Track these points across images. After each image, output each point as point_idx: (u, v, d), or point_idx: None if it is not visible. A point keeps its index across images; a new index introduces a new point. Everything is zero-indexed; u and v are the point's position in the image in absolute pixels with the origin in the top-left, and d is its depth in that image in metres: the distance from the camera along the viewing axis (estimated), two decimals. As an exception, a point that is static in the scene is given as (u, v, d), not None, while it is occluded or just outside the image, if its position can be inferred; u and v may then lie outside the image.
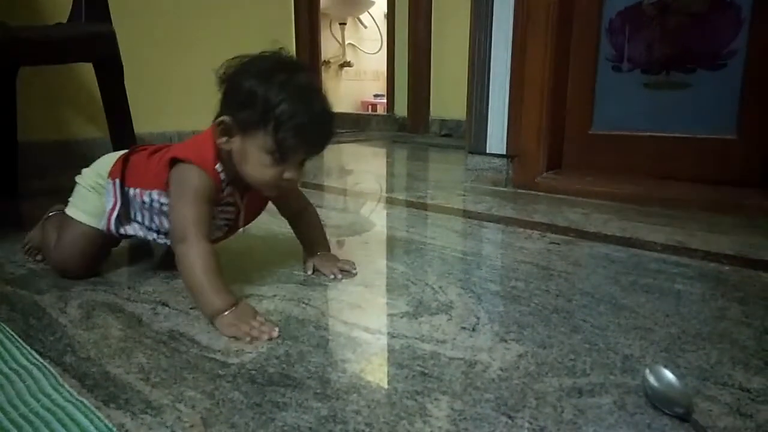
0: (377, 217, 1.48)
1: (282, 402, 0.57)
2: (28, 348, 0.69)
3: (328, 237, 1.04)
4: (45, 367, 0.64)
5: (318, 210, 1.04)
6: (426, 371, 0.64)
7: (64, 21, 1.55)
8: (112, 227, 0.89)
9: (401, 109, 3.96)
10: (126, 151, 0.95)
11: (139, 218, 0.90)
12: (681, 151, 1.62)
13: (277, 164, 0.79)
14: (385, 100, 4.40)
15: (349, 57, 5.39)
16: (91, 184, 0.93)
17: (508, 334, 0.74)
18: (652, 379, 0.58)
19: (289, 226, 1.03)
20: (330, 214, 1.45)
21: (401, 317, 0.79)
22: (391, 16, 3.99)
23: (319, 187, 1.86)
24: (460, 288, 0.91)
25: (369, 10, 5.27)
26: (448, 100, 3.60)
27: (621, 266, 1.02)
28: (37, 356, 0.67)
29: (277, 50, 0.81)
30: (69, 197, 0.96)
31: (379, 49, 5.14)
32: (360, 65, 5.49)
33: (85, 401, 0.57)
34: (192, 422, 0.54)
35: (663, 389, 0.57)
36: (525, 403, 0.57)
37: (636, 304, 0.84)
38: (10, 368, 0.64)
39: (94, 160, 0.98)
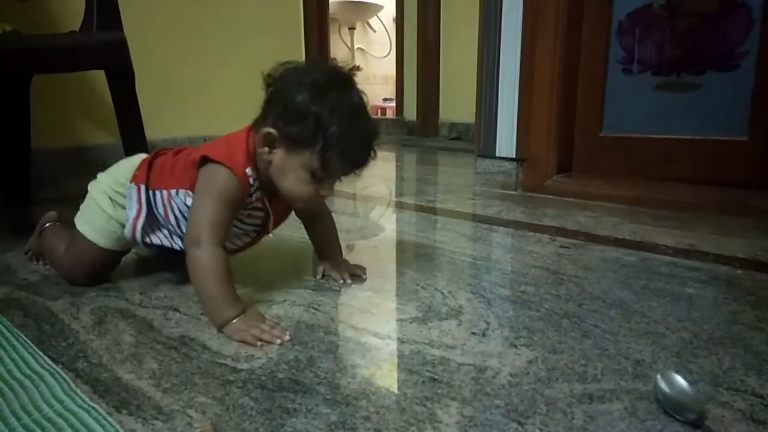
0: (387, 222, 1.48)
1: (292, 408, 0.57)
2: (41, 354, 0.69)
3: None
4: (58, 372, 0.64)
5: (327, 215, 1.05)
6: (436, 377, 0.64)
7: (77, 29, 1.56)
8: (138, 236, 0.88)
9: (410, 113, 3.96)
10: (147, 155, 0.94)
11: (163, 223, 0.89)
12: (692, 154, 1.61)
13: (317, 182, 0.79)
14: (394, 104, 4.40)
15: (358, 61, 5.39)
16: (106, 190, 0.91)
17: (518, 339, 0.74)
18: (663, 385, 0.58)
19: (299, 231, 1.03)
20: (340, 218, 1.45)
21: (411, 322, 0.79)
22: (400, 20, 4.00)
23: (329, 192, 1.86)
24: (470, 293, 0.91)
25: (378, 15, 5.28)
26: (457, 104, 3.59)
27: (632, 270, 1.02)
28: (50, 362, 0.67)
29: (326, 59, 0.81)
30: (81, 204, 0.96)
31: (388, 53, 5.15)
32: (369, 69, 5.50)
33: (97, 407, 0.57)
34: (203, 428, 0.54)
35: (675, 395, 0.57)
36: (535, 409, 0.57)
37: (647, 309, 0.83)
38: (24, 374, 0.64)
39: (106, 166, 0.97)
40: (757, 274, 0.99)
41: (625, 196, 1.59)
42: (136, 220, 0.87)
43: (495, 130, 1.85)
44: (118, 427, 0.54)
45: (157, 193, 0.87)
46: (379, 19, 5.33)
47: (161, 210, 0.87)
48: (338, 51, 5.20)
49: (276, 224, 0.92)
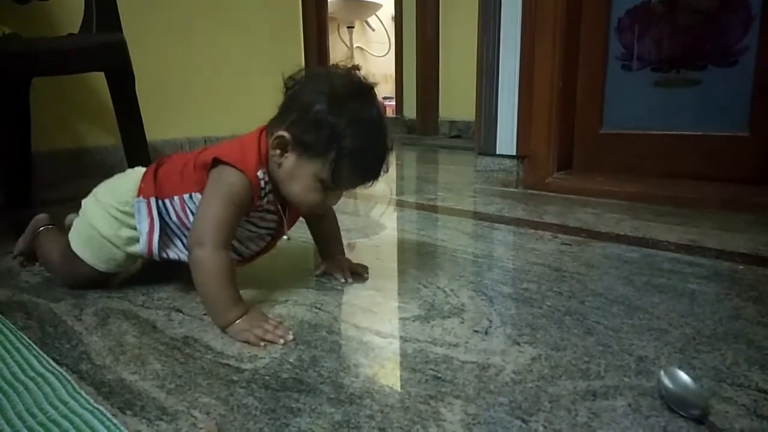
0: (388, 220, 1.48)
1: (296, 407, 0.57)
2: (45, 356, 0.70)
3: (339, 241, 1.04)
4: (62, 374, 0.65)
5: (329, 214, 1.05)
6: (439, 375, 0.64)
7: (76, 31, 1.57)
8: (155, 250, 0.85)
9: (410, 112, 3.96)
10: (146, 167, 0.91)
11: (178, 232, 0.86)
12: (693, 150, 1.61)
13: (325, 191, 0.80)
14: (393, 103, 4.40)
15: (357, 60, 5.38)
16: (110, 211, 0.87)
17: (521, 336, 0.74)
18: (667, 381, 0.58)
19: (301, 231, 1.03)
20: (341, 217, 1.44)
21: (413, 321, 0.79)
22: (398, 19, 4.00)
23: (330, 191, 1.86)
24: (472, 291, 0.91)
25: (376, 13, 5.28)
26: (457, 102, 3.59)
27: (634, 266, 1.02)
28: (54, 364, 0.67)
29: (350, 68, 0.80)
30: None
31: (387, 52, 5.15)
32: (368, 68, 5.46)
33: (102, 408, 0.57)
34: (207, 428, 0.54)
35: (678, 391, 0.57)
36: (539, 406, 0.57)
37: (650, 305, 0.83)
38: (28, 376, 0.64)
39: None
40: (759, 269, 0.99)
41: (626, 192, 1.59)
42: (151, 234, 0.85)
43: (495, 128, 1.85)
44: (122, 428, 0.54)
45: (167, 201, 0.85)
46: (378, 18, 5.33)
47: (175, 218, 0.85)
48: (337, 50, 5.20)
49: (288, 227, 0.92)
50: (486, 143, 1.88)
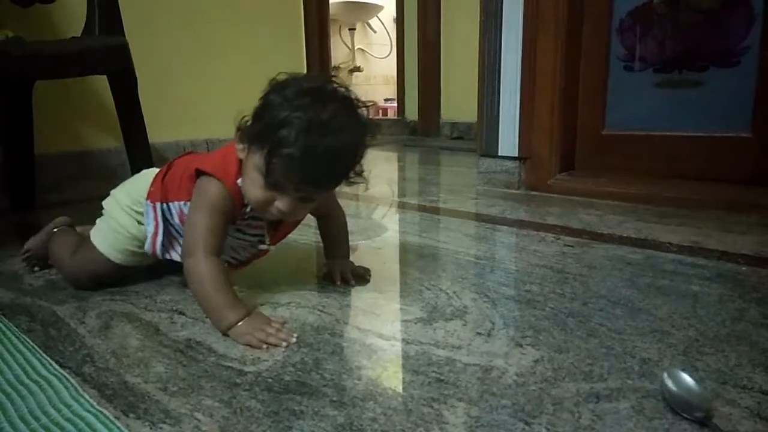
0: (390, 222, 1.48)
1: (299, 410, 0.57)
2: (48, 359, 0.70)
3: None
4: (65, 377, 0.65)
5: (331, 216, 1.05)
6: (442, 377, 0.64)
7: (78, 35, 1.57)
8: (158, 252, 0.87)
9: (412, 113, 3.96)
10: (159, 169, 0.93)
11: (181, 233, 0.87)
12: (695, 151, 1.61)
13: (269, 189, 0.75)
14: (395, 104, 4.41)
15: (359, 62, 5.41)
16: (128, 211, 0.91)
17: (523, 339, 0.74)
18: (670, 383, 0.58)
19: (301, 234, 1.03)
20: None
21: (416, 323, 0.79)
22: (400, 20, 4.00)
23: (332, 193, 1.86)
24: (475, 293, 0.91)
25: (378, 15, 5.29)
26: (458, 103, 3.59)
27: (637, 268, 1.02)
28: (57, 367, 0.67)
29: (331, 76, 0.77)
30: (95, 215, 0.96)
31: (389, 54, 5.15)
32: (370, 70, 5.50)
33: (105, 411, 0.57)
34: (210, 431, 0.54)
35: (682, 393, 0.57)
36: (542, 408, 0.57)
37: (653, 307, 0.83)
38: (31, 379, 0.65)
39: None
40: (762, 270, 0.99)
41: (628, 193, 1.59)
42: (155, 237, 0.87)
43: (497, 129, 1.85)
44: (126, 431, 0.54)
45: (171, 204, 0.87)
46: (380, 20, 5.33)
47: (177, 221, 0.87)
48: (339, 52, 5.20)
49: (279, 237, 0.91)
50: (488, 145, 1.88)
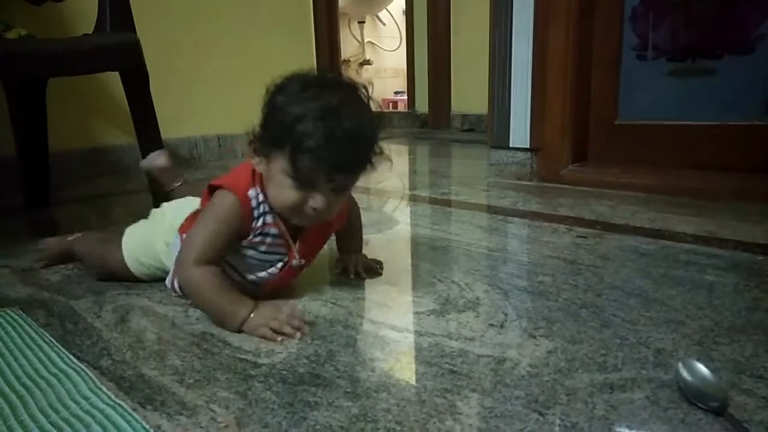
0: (401, 215, 1.48)
1: (313, 401, 0.58)
2: (66, 352, 0.71)
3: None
4: (83, 370, 0.66)
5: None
6: (455, 369, 0.64)
7: (90, 32, 1.58)
8: (177, 288, 0.85)
9: (422, 106, 3.95)
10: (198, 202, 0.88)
11: None
12: (709, 140, 1.59)
13: (300, 189, 0.73)
14: (405, 97, 4.40)
15: (368, 55, 5.41)
16: (166, 239, 0.89)
17: (536, 330, 0.74)
18: (685, 373, 0.58)
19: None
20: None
21: (428, 315, 0.79)
22: (409, 13, 3.99)
23: (343, 187, 1.87)
24: (487, 284, 0.91)
25: (387, 8, 5.27)
26: (469, 95, 3.58)
27: (651, 259, 1.01)
28: (75, 360, 0.69)
29: (333, 71, 0.78)
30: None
31: (399, 46, 5.14)
32: (380, 63, 5.49)
33: (123, 404, 0.58)
34: (226, 422, 0.55)
35: (697, 383, 0.56)
36: (556, 399, 0.57)
37: (667, 297, 0.83)
38: (50, 372, 0.66)
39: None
40: (778, 259, 0.98)
41: (642, 184, 1.58)
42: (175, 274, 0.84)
43: (508, 121, 1.84)
44: (143, 423, 0.55)
45: None
46: (389, 12, 5.32)
47: None
48: (348, 45, 5.20)
49: (308, 254, 0.85)
50: (499, 136, 1.87)
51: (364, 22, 5.32)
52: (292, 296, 0.88)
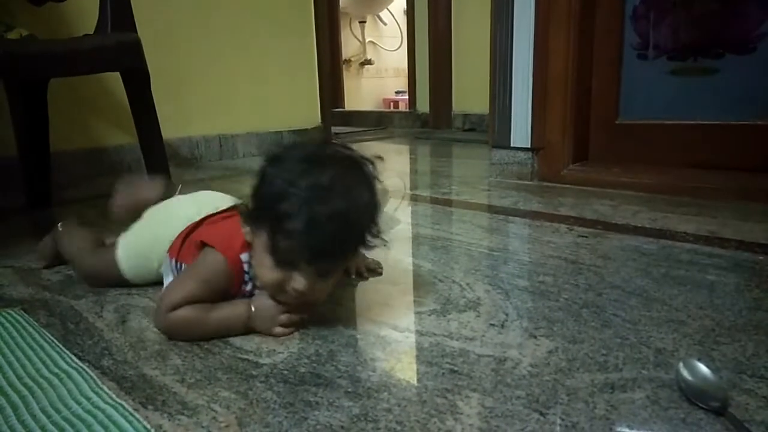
0: (402, 215, 1.48)
1: (314, 401, 0.58)
2: (68, 352, 0.71)
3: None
4: (84, 370, 0.66)
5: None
6: (455, 369, 0.64)
7: (91, 32, 1.58)
8: None
9: (423, 105, 3.95)
10: (193, 224, 0.86)
11: None
12: (710, 139, 1.59)
13: (281, 268, 0.69)
14: (406, 97, 4.40)
15: (369, 55, 5.41)
16: (157, 256, 0.88)
17: (537, 330, 0.74)
18: (686, 373, 0.58)
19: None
20: (355, 213, 1.46)
21: (429, 315, 0.79)
22: (410, 12, 3.99)
23: (344, 187, 1.87)
24: (488, 284, 0.91)
25: (388, 7, 5.27)
26: (470, 95, 3.58)
27: (652, 258, 1.01)
28: (76, 360, 0.69)
29: (330, 138, 0.75)
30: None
31: (400, 46, 5.14)
32: (381, 63, 5.49)
33: (124, 403, 0.58)
34: (227, 422, 0.55)
35: (697, 383, 0.56)
36: (556, 399, 0.57)
37: (668, 297, 0.83)
38: (51, 372, 0.66)
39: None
40: (779, 259, 0.98)
41: (643, 183, 1.58)
42: None
43: (509, 120, 1.84)
44: (145, 422, 0.55)
45: (184, 265, 0.82)
46: (390, 12, 5.32)
47: None
48: (349, 45, 5.20)
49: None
50: (500, 136, 1.87)
51: (365, 22, 5.32)
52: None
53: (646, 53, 1.69)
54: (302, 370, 0.65)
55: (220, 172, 2.26)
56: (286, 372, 0.64)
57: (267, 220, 0.68)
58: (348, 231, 0.69)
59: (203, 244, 0.77)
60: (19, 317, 0.82)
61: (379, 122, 4.31)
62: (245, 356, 0.69)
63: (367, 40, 5.36)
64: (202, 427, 0.54)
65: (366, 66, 5.39)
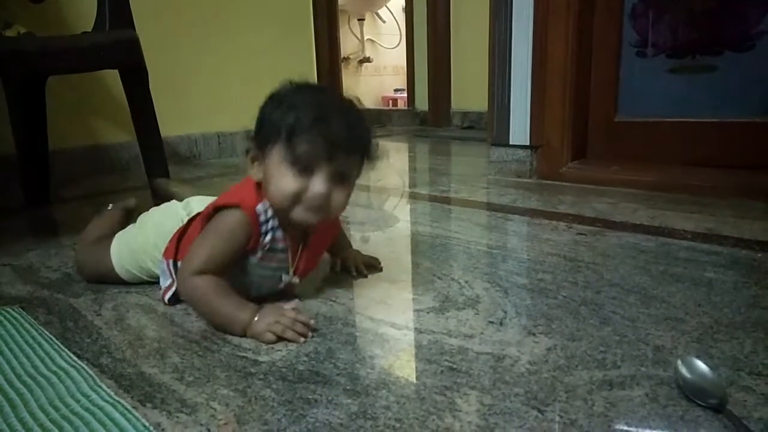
0: (401, 213, 1.48)
1: (313, 399, 0.58)
2: (66, 350, 0.71)
3: (352, 234, 1.05)
4: (83, 368, 0.66)
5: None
6: (454, 366, 0.64)
7: (89, 30, 1.58)
8: (167, 301, 0.84)
9: (422, 103, 3.95)
10: (184, 226, 0.87)
11: None
12: (709, 137, 1.59)
13: (300, 175, 0.72)
14: (405, 95, 4.39)
15: (368, 53, 5.40)
16: (152, 258, 0.89)
17: (536, 327, 0.74)
18: (684, 370, 0.58)
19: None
20: (354, 210, 1.46)
21: (428, 312, 0.79)
22: (409, 10, 3.98)
23: (343, 184, 1.87)
24: (487, 282, 0.91)
25: (387, 5, 5.26)
26: (469, 92, 3.57)
27: (650, 256, 1.01)
28: (75, 358, 0.69)
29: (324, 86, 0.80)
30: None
31: (398, 44, 5.13)
32: (379, 60, 5.48)
33: (123, 401, 0.58)
34: (226, 420, 0.55)
35: (696, 380, 0.57)
36: (555, 396, 0.57)
37: (666, 294, 0.83)
38: (50, 370, 0.66)
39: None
40: (778, 257, 0.98)
41: (642, 181, 1.58)
42: (167, 290, 0.84)
43: (508, 118, 1.83)
44: (143, 420, 0.55)
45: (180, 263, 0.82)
46: (389, 10, 5.31)
47: None
48: (348, 43, 5.19)
49: (305, 271, 0.85)
50: (499, 134, 1.87)
51: (363, 20, 5.31)
52: (292, 294, 0.88)
53: (645, 51, 1.69)
54: (301, 367, 0.65)
55: (218, 169, 2.26)
56: (284, 370, 0.64)
57: (281, 132, 0.72)
58: (353, 127, 0.75)
59: (215, 211, 0.77)
60: (17, 315, 0.82)
61: (377, 120, 4.30)
62: (244, 354, 0.69)
63: (365, 38, 5.35)
64: (201, 424, 0.54)
65: (365, 64, 5.38)
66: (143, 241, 0.90)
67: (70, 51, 1.38)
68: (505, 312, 0.79)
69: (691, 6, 1.59)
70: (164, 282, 0.86)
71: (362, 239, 1.18)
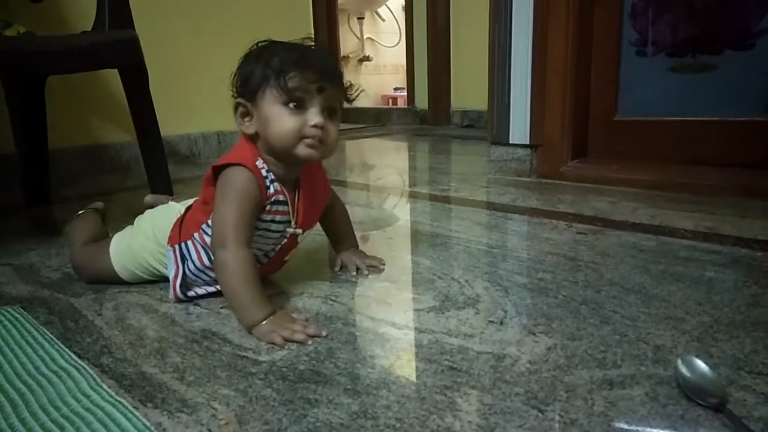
0: (401, 212, 1.48)
1: (313, 398, 0.58)
2: (67, 350, 0.71)
3: (353, 233, 1.04)
4: (83, 368, 0.66)
5: (342, 207, 1.05)
6: (455, 366, 0.64)
7: (89, 29, 1.58)
8: (179, 294, 0.85)
9: (422, 102, 3.94)
10: (182, 211, 0.90)
11: (197, 273, 0.86)
12: (709, 135, 1.59)
13: (296, 111, 0.77)
14: (405, 93, 4.38)
15: (368, 51, 5.39)
16: (153, 254, 0.89)
17: (536, 326, 0.74)
18: (684, 370, 0.58)
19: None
20: (353, 209, 1.45)
21: (428, 312, 0.79)
22: (409, 9, 3.98)
23: (342, 183, 1.87)
24: (487, 281, 0.91)
25: (387, 4, 5.26)
26: (469, 91, 3.57)
27: (650, 255, 1.01)
28: (76, 358, 0.69)
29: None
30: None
31: (398, 42, 5.12)
32: (379, 59, 5.48)
33: (124, 401, 0.58)
34: (227, 419, 0.55)
35: (696, 379, 0.57)
36: (555, 396, 0.57)
37: (666, 293, 0.83)
38: (51, 370, 0.66)
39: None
40: (778, 255, 0.98)
41: (642, 180, 1.58)
42: (175, 280, 0.85)
43: (508, 117, 1.83)
44: (144, 420, 0.55)
45: (189, 242, 0.85)
46: (388, 8, 5.30)
47: (195, 257, 0.84)
48: (348, 41, 5.18)
49: (306, 222, 0.87)
50: (499, 132, 1.87)
51: (363, 18, 5.30)
52: (293, 294, 0.88)
53: (645, 50, 1.69)
54: (301, 367, 0.65)
55: (218, 169, 2.26)
56: (285, 369, 0.64)
57: (269, 76, 0.77)
58: (333, 62, 0.84)
59: (216, 171, 0.80)
60: (18, 315, 0.82)
61: (377, 119, 4.30)
62: (244, 354, 0.69)
63: (365, 37, 5.34)
64: (202, 424, 0.54)
65: (364, 62, 5.38)
66: (143, 239, 0.90)
67: (69, 51, 1.38)
68: (506, 311, 0.79)
69: (691, 4, 1.59)
70: (171, 272, 0.85)
71: (362, 238, 1.18)
